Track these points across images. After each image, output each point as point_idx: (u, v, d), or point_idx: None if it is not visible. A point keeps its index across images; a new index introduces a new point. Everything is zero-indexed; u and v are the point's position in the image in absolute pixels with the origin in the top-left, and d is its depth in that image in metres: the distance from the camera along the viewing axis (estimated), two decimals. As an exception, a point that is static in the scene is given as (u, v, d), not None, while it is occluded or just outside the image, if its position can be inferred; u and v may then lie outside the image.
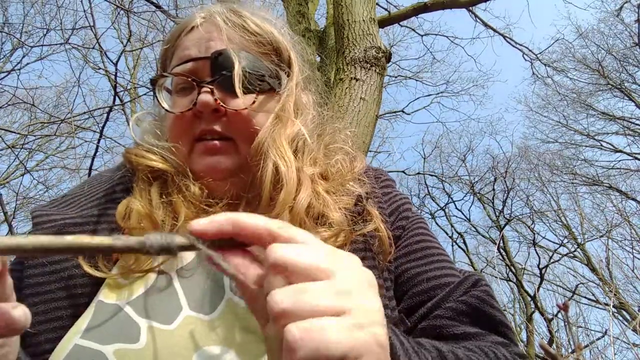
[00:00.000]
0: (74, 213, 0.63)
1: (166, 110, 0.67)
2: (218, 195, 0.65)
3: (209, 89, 0.63)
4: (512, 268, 10.07)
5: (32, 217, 0.63)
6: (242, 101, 0.64)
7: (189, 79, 0.65)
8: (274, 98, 0.68)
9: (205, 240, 0.36)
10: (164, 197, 0.63)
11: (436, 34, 8.80)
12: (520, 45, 7.39)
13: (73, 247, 0.32)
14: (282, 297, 0.33)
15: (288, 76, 0.70)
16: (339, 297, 0.34)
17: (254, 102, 0.65)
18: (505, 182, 10.76)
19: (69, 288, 0.57)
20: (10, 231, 2.80)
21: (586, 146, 11.20)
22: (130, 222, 0.60)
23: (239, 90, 0.63)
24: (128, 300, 0.55)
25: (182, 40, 0.70)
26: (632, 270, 8.53)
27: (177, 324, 0.52)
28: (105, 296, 0.56)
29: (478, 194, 11.59)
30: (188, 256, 0.61)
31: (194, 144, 0.65)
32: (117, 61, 3.36)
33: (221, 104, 0.63)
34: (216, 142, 0.64)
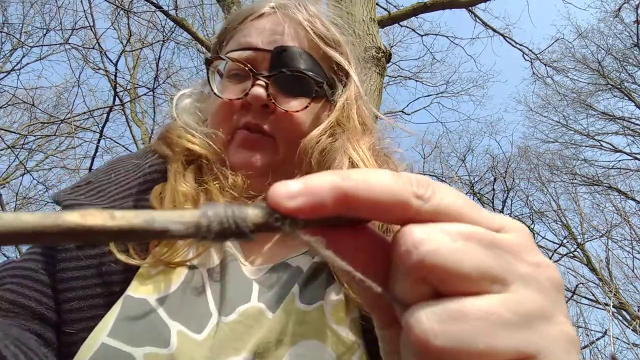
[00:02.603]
0: (105, 204, 0.58)
1: (216, 94, 0.64)
2: (256, 189, 0.62)
3: (263, 83, 0.61)
4: (512, 268, 10.03)
5: (63, 206, 0.57)
6: (295, 103, 0.62)
7: (246, 68, 0.62)
8: (326, 107, 0.66)
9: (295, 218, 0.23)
10: (198, 184, 0.61)
11: (436, 34, 8.80)
12: (520, 45, 7.40)
13: (80, 231, 0.19)
14: (433, 326, 0.21)
15: (344, 86, 0.67)
16: (523, 331, 0.22)
17: (306, 107, 0.63)
18: (505, 182, 10.76)
19: (106, 285, 0.53)
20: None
21: (586, 146, 11.20)
22: (175, 203, 0.56)
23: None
24: (158, 297, 0.51)
25: (246, 25, 0.67)
26: (632, 270, 8.53)
27: (207, 334, 0.49)
28: (134, 290, 0.52)
29: (478, 194, 11.59)
30: (216, 256, 0.58)
31: (235, 132, 0.63)
32: (117, 61, 3.36)
33: (273, 101, 0.61)
34: (258, 136, 0.62)
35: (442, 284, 0.22)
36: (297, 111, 0.62)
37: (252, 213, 0.22)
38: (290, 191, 0.22)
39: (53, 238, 0.19)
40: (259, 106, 0.62)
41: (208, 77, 0.66)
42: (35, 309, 0.51)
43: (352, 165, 0.59)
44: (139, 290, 0.52)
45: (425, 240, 0.22)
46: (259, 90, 0.61)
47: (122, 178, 0.63)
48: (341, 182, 0.22)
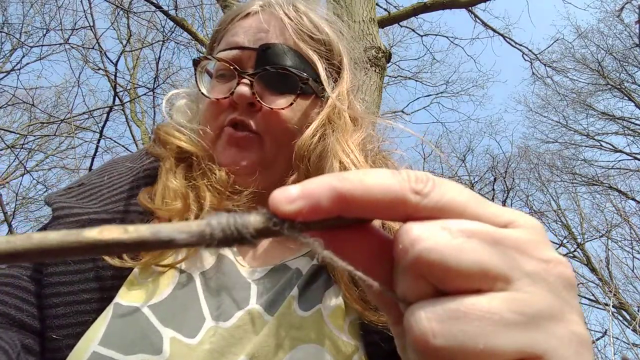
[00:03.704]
0: (97, 207, 0.58)
1: (202, 93, 0.65)
2: (242, 184, 0.63)
3: (248, 81, 0.62)
4: (512, 268, 10.00)
5: (53, 208, 0.57)
6: (281, 100, 0.62)
7: (231, 67, 0.63)
8: (316, 103, 0.66)
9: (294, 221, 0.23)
10: (188, 181, 0.61)
11: (436, 35, 8.80)
12: (520, 45, 7.39)
13: (99, 245, 0.21)
14: (432, 326, 0.21)
15: (335, 82, 0.67)
16: (527, 331, 0.21)
17: (291, 104, 0.63)
18: (505, 182, 10.75)
19: (94, 291, 0.52)
20: (10, 232, 2.79)
21: (586, 146, 11.20)
22: (165, 199, 0.57)
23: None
24: (149, 303, 0.51)
25: (234, 25, 0.68)
26: (632, 271, 8.53)
27: (200, 338, 0.49)
28: (123, 297, 0.51)
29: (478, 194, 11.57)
30: (210, 259, 0.58)
31: (222, 131, 0.64)
32: (117, 61, 3.36)
33: (258, 98, 0.61)
34: (244, 134, 0.62)
35: (441, 281, 0.22)
36: (283, 108, 0.62)
37: (254, 219, 0.23)
38: (289, 195, 0.23)
39: (75, 253, 0.21)
40: (245, 104, 0.62)
41: (196, 77, 0.67)
42: (15, 316, 0.51)
43: (344, 168, 0.58)
44: (128, 298, 0.51)
45: (422, 237, 0.22)
46: (244, 89, 0.61)
47: (115, 181, 0.63)
48: (337, 184, 0.23)
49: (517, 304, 0.22)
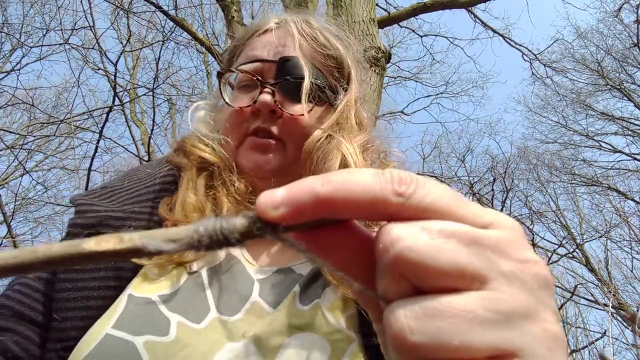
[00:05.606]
0: (115, 207, 0.63)
1: (227, 103, 0.70)
2: (259, 194, 0.65)
3: (270, 90, 0.67)
4: (512, 268, 9.99)
5: (75, 204, 0.64)
6: (300, 107, 0.67)
7: (254, 78, 0.68)
8: (329, 110, 0.71)
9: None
10: (208, 190, 0.66)
11: (436, 35, 8.80)
12: (520, 45, 7.41)
13: (96, 256, 0.22)
14: (410, 323, 0.22)
15: (345, 91, 0.73)
16: (501, 328, 0.22)
17: (310, 111, 0.68)
18: (504, 182, 10.76)
19: (109, 279, 0.57)
20: (10, 232, 2.79)
21: (585, 146, 11.21)
22: (185, 212, 0.61)
23: (304, 98, 0.66)
24: (159, 294, 0.55)
25: (253, 40, 0.75)
26: (631, 271, 8.55)
27: (206, 324, 0.53)
28: (136, 289, 0.56)
29: (477, 195, 11.58)
30: (220, 256, 0.62)
31: (245, 138, 0.68)
32: (117, 61, 3.36)
33: (279, 106, 0.67)
34: (268, 139, 0.67)
35: (419, 280, 0.23)
36: (302, 115, 0.67)
37: (239, 223, 0.24)
38: (274, 201, 0.23)
39: (76, 262, 0.22)
40: (267, 112, 0.67)
41: (220, 89, 0.72)
42: (14, 307, 0.55)
43: (343, 159, 0.63)
44: (141, 290, 0.56)
45: (402, 237, 0.23)
46: (267, 97, 0.66)
47: (134, 185, 0.68)
48: (320, 188, 0.23)
49: (492, 302, 0.22)
